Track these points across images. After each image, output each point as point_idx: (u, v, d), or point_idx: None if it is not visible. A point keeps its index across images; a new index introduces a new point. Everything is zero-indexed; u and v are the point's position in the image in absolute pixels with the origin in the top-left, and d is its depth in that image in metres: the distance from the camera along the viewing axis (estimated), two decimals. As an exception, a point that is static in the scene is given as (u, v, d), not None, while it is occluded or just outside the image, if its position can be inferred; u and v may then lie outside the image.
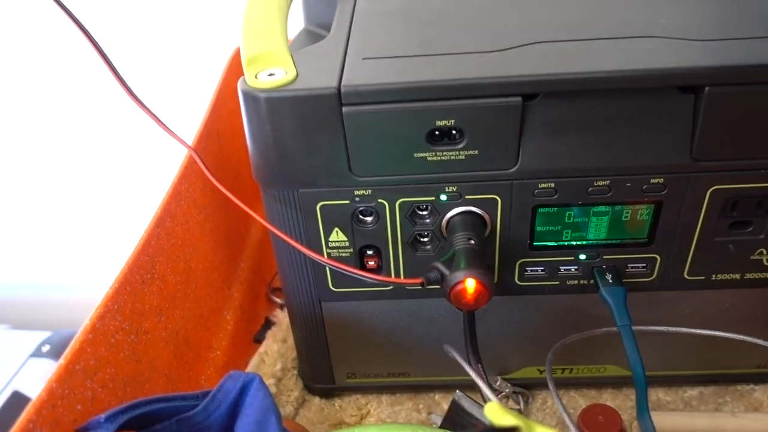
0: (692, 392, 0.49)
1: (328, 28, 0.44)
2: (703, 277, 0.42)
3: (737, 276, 0.42)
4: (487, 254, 0.41)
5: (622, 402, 0.49)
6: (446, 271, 0.35)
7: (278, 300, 0.61)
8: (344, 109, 0.35)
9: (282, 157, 0.37)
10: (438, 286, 0.36)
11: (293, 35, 0.49)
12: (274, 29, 0.39)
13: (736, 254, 0.40)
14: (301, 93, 0.34)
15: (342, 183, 0.38)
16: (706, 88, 0.34)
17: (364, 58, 0.37)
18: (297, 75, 0.35)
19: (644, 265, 0.41)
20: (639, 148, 0.36)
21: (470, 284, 0.34)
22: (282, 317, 0.55)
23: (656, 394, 0.49)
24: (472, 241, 0.37)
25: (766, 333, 0.44)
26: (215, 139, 0.53)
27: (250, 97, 0.35)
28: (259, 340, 0.56)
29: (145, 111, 0.37)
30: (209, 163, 0.52)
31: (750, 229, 0.39)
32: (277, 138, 0.36)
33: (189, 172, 0.46)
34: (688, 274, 0.42)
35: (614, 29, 0.38)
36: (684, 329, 0.42)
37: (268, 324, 0.57)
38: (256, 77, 0.35)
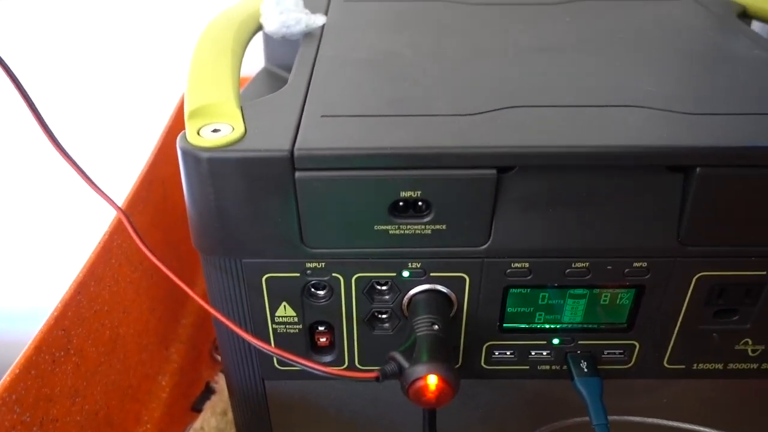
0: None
1: (289, 69, 0.40)
2: (683, 366, 0.38)
3: (720, 366, 0.38)
4: (452, 335, 0.37)
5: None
6: (405, 364, 0.31)
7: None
8: (297, 174, 0.30)
9: (224, 224, 0.32)
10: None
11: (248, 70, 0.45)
12: (223, 77, 0.35)
13: (720, 343, 0.37)
14: (248, 154, 0.30)
15: (292, 254, 0.33)
16: (698, 169, 0.31)
17: (323, 116, 0.33)
18: (245, 132, 0.31)
19: (622, 351, 0.38)
20: (622, 229, 0.33)
21: (432, 381, 0.30)
22: (224, 384, 0.50)
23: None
24: (436, 326, 0.33)
25: (747, 425, 0.42)
26: (158, 187, 0.48)
27: (190, 156, 0.30)
28: (197, 409, 0.51)
29: (71, 165, 0.32)
30: (150, 213, 0.48)
31: (736, 317, 0.36)
32: (220, 203, 0.31)
33: (122, 226, 0.40)
34: (668, 363, 0.38)
35: (599, 96, 0.35)
36: (661, 421, 0.39)
37: (209, 391, 0.51)
38: (198, 133, 0.31)
